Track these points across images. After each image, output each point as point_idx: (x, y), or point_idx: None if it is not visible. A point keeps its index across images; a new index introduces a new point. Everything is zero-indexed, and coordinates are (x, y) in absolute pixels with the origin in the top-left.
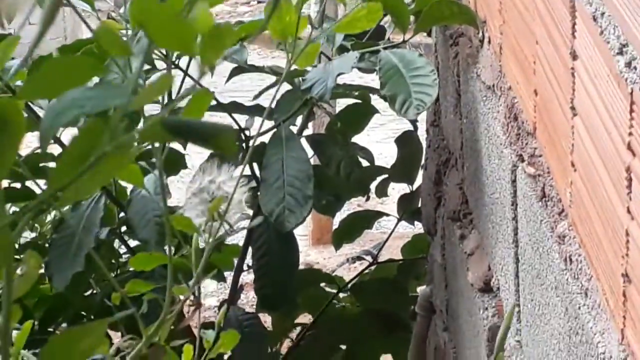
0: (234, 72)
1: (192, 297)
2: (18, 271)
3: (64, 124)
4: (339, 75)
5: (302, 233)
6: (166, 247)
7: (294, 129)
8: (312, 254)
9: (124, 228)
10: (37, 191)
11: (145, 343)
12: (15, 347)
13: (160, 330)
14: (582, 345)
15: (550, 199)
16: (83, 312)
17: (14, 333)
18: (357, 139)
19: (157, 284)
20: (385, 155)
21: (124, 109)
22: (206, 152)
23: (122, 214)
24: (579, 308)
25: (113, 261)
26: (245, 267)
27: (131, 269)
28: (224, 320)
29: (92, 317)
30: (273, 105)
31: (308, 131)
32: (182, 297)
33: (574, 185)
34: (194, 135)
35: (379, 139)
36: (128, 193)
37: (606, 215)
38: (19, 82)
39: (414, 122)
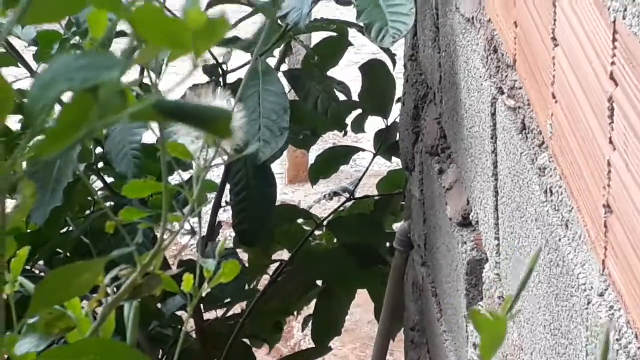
0: (211, 4)
1: (187, 226)
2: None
3: (53, 99)
4: (314, 2)
5: (278, 172)
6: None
7: (272, 64)
8: (288, 192)
9: (101, 165)
10: None
11: (141, 272)
12: (11, 275)
13: (155, 260)
14: (563, 277)
15: (530, 131)
16: (59, 250)
17: None
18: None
19: (151, 212)
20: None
21: (114, 85)
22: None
23: (99, 150)
24: (560, 240)
25: (89, 198)
26: (223, 204)
27: (107, 204)
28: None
29: (69, 254)
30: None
31: (285, 68)
32: (177, 226)
33: (555, 117)
34: (189, 118)
35: (354, 78)
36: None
37: (588, 147)
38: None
39: (392, 57)
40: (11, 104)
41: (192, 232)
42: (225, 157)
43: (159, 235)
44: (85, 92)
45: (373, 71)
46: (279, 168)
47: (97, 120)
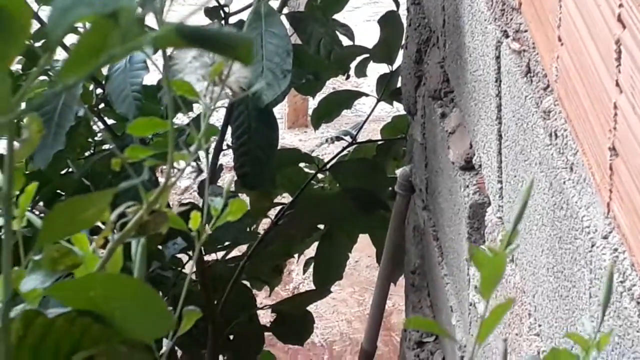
0: None
1: (193, 164)
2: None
3: (72, 23)
4: None
5: (278, 116)
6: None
7: (274, 6)
8: (287, 137)
9: (101, 106)
10: None
11: (147, 210)
12: (20, 209)
13: (161, 197)
14: (567, 219)
15: (535, 74)
16: (60, 191)
17: None
18: None
19: (157, 151)
20: (363, 37)
21: (133, 10)
22: None
23: (99, 91)
24: (564, 183)
25: (90, 139)
26: (224, 147)
27: (107, 146)
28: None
29: (70, 196)
30: None
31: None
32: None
33: (560, 59)
34: (210, 43)
35: (356, 22)
36: (104, 71)
37: (594, 89)
38: None
39: (396, 1)
40: (30, 29)
41: (198, 171)
42: (230, 96)
43: (164, 173)
44: (105, 17)
45: (388, 22)
46: (278, 112)
47: (117, 45)
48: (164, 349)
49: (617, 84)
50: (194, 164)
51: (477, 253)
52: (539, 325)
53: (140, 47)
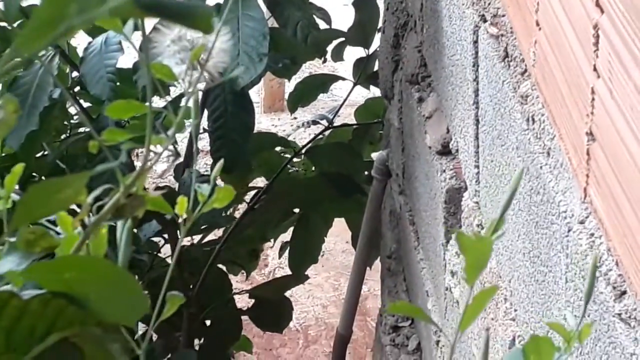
0: None
1: (171, 148)
2: None
3: None
4: None
5: (255, 100)
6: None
7: None
8: (263, 121)
9: (77, 89)
10: None
11: (124, 193)
12: (5, 190)
13: (138, 180)
14: (543, 204)
15: (513, 59)
16: (34, 174)
17: None
18: None
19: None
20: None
21: None
22: None
23: (75, 75)
24: (541, 168)
25: (65, 122)
26: (200, 131)
27: (82, 129)
28: (180, 183)
29: (44, 178)
30: None
31: None
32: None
33: (538, 44)
34: (169, 13)
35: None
36: (79, 53)
37: (571, 74)
38: None
39: None
40: None
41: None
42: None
43: (141, 157)
44: None
45: (364, 5)
46: (255, 97)
47: (76, 15)
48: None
49: (595, 69)
50: (171, 147)
51: (462, 238)
52: (515, 310)
53: (98, 17)
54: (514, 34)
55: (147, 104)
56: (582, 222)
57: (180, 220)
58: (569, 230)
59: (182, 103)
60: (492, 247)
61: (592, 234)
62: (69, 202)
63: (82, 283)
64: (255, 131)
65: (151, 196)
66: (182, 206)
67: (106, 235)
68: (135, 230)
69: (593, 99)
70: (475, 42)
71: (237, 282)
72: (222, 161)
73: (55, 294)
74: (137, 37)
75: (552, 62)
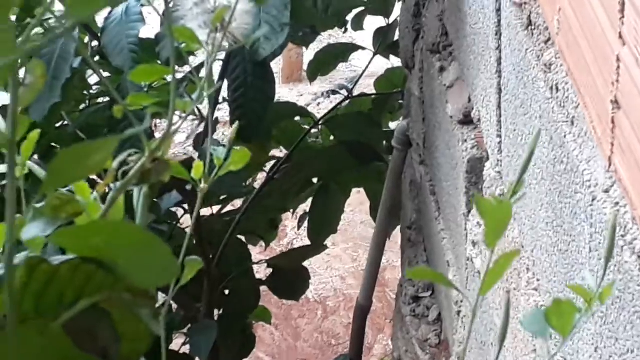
0: None
1: (196, 112)
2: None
3: None
4: None
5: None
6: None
7: None
8: (282, 92)
9: (96, 58)
10: None
11: (149, 157)
12: (21, 157)
13: (163, 145)
14: (567, 173)
15: (536, 27)
16: (54, 144)
17: None
18: None
19: (159, 99)
20: None
21: None
22: None
23: (94, 44)
24: (565, 136)
25: (85, 92)
26: (220, 100)
27: (101, 100)
28: (200, 152)
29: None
30: None
31: None
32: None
33: (562, 12)
34: None
35: None
36: (99, 24)
37: (596, 42)
38: None
39: None
40: None
41: (200, 119)
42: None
43: (164, 123)
44: None
45: None
46: (274, 67)
47: None
48: (162, 300)
49: (620, 36)
50: (195, 111)
51: (481, 202)
52: (538, 280)
53: None
54: (538, 1)
55: (171, 67)
56: (606, 191)
57: (199, 189)
58: (593, 200)
59: (203, 70)
60: (511, 210)
61: (617, 203)
62: (98, 168)
63: (110, 248)
64: (276, 100)
65: (174, 162)
66: (199, 170)
67: (123, 203)
68: (155, 200)
69: (618, 67)
70: (498, 10)
71: (257, 253)
72: (237, 124)
73: (84, 259)
74: (158, 3)
75: (576, 30)
